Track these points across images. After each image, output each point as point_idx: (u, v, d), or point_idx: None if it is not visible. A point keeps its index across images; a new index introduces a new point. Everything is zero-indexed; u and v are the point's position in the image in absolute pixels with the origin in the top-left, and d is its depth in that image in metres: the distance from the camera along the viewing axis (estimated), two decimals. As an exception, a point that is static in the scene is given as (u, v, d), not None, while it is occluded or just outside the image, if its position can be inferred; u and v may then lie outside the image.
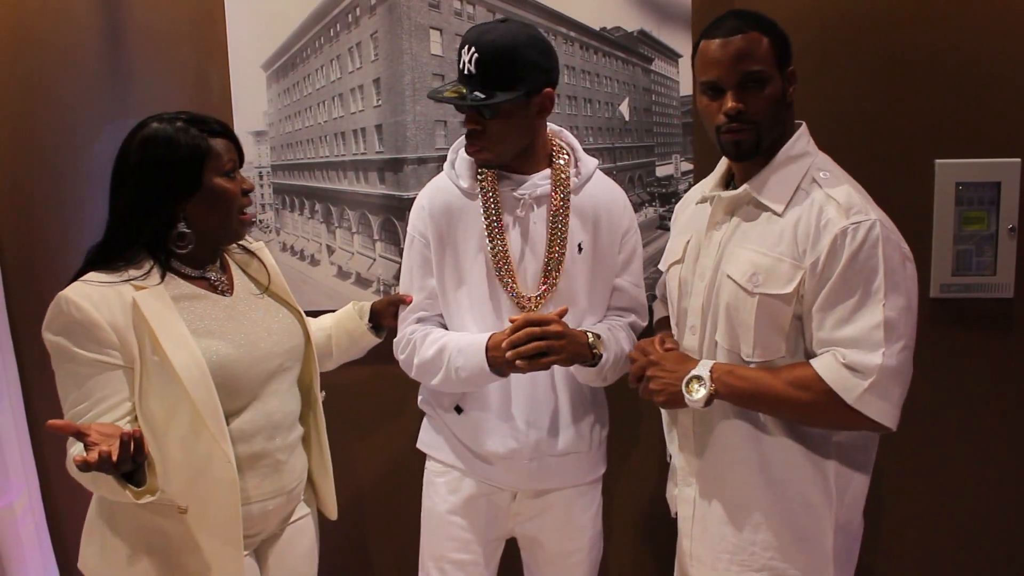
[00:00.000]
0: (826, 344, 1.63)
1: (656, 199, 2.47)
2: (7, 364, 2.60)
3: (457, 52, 1.87)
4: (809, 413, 1.65)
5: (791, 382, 1.63)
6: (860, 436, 1.72)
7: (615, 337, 1.97)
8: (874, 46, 2.35)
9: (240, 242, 1.92)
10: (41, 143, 2.58)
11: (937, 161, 2.36)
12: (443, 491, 2.06)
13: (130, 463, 1.48)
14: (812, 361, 1.64)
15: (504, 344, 1.81)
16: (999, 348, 2.43)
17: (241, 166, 1.80)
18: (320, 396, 1.97)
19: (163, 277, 1.72)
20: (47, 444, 2.71)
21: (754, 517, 1.74)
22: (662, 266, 1.97)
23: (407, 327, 2.03)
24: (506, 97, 1.82)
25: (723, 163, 1.86)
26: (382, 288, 2.54)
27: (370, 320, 2.15)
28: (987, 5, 2.30)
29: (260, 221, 2.57)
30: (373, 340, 2.17)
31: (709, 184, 1.87)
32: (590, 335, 1.89)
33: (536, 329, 1.80)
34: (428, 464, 2.12)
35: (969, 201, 2.36)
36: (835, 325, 1.61)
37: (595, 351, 1.88)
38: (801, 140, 1.73)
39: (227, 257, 1.90)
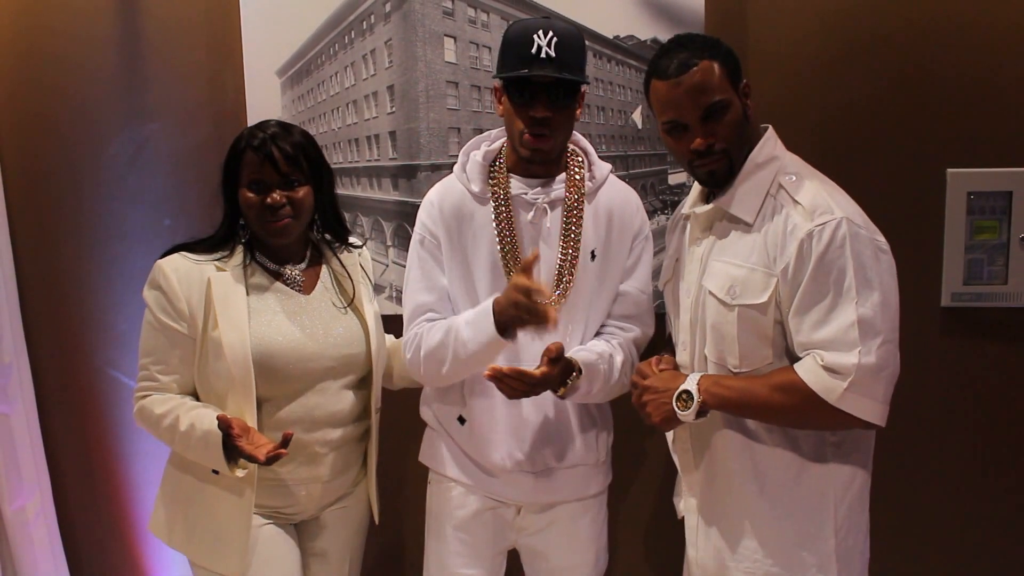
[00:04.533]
0: (806, 347, 1.64)
1: (668, 207, 2.48)
2: (21, 368, 2.61)
3: (517, 39, 1.83)
4: (796, 416, 1.67)
5: (775, 387, 1.65)
6: (853, 435, 1.73)
7: (610, 365, 1.92)
8: (886, 56, 2.35)
9: (343, 255, 2.08)
10: (59, 145, 2.59)
11: (949, 170, 2.36)
12: (448, 505, 2.04)
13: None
14: (795, 365, 1.65)
15: (489, 374, 1.78)
16: (1010, 357, 2.43)
17: (285, 184, 1.90)
18: (376, 408, 2.07)
19: (246, 265, 1.94)
20: (60, 448, 2.72)
21: (752, 525, 1.75)
22: (659, 285, 1.99)
23: (413, 327, 1.96)
24: (585, 80, 1.85)
25: None
26: (394, 294, 2.55)
27: None
28: (999, 16, 2.31)
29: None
30: None
31: (690, 200, 1.89)
32: (574, 372, 1.85)
33: (525, 384, 1.79)
34: (431, 477, 2.10)
35: (980, 210, 2.37)
36: (812, 328, 1.63)
37: (559, 391, 1.86)
38: (767, 146, 1.73)
39: (326, 263, 2.06)
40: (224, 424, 1.76)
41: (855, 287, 1.59)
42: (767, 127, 1.77)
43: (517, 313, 1.76)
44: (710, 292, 1.73)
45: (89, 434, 2.71)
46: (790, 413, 1.66)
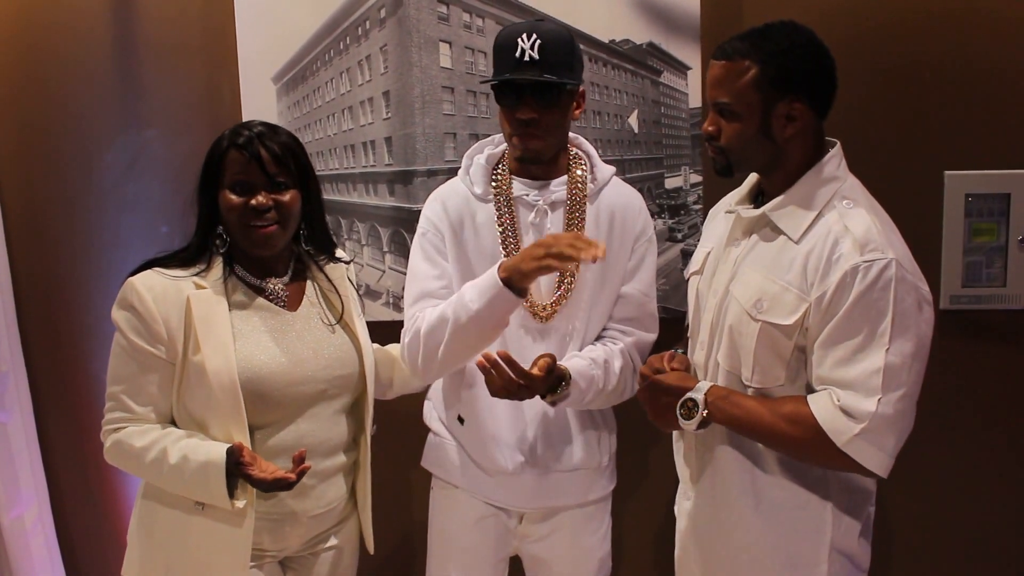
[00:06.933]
0: (824, 382, 1.59)
1: (665, 211, 2.48)
2: (18, 376, 2.61)
3: (503, 44, 1.84)
4: (799, 449, 1.63)
5: (784, 416, 1.60)
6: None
7: (605, 371, 1.91)
8: (883, 57, 2.35)
9: (328, 267, 1.93)
10: (54, 154, 2.59)
11: (946, 172, 2.36)
12: (450, 511, 2.04)
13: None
14: (809, 398, 1.60)
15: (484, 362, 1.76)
16: (1009, 360, 2.42)
17: (272, 186, 1.76)
18: (371, 430, 1.95)
19: (226, 280, 1.79)
20: (57, 456, 2.72)
21: (746, 538, 1.73)
22: (685, 274, 1.95)
23: (415, 311, 1.92)
24: (571, 81, 1.84)
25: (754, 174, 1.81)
26: (391, 300, 2.54)
27: None
28: (997, 16, 2.31)
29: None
30: None
31: (737, 196, 1.83)
32: (563, 383, 1.84)
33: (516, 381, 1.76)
34: (434, 483, 2.10)
35: (979, 212, 2.36)
36: (835, 364, 1.57)
37: (547, 397, 1.85)
38: (830, 164, 1.66)
39: (311, 277, 1.91)
40: (236, 453, 1.65)
41: (889, 333, 1.52)
42: (835, 143, 1.69)
43: (535, 256, 1.72)
44: (736, 299, 1.68)
45: (87, 442, 2.70)
46: (793, 445, 1.62)
